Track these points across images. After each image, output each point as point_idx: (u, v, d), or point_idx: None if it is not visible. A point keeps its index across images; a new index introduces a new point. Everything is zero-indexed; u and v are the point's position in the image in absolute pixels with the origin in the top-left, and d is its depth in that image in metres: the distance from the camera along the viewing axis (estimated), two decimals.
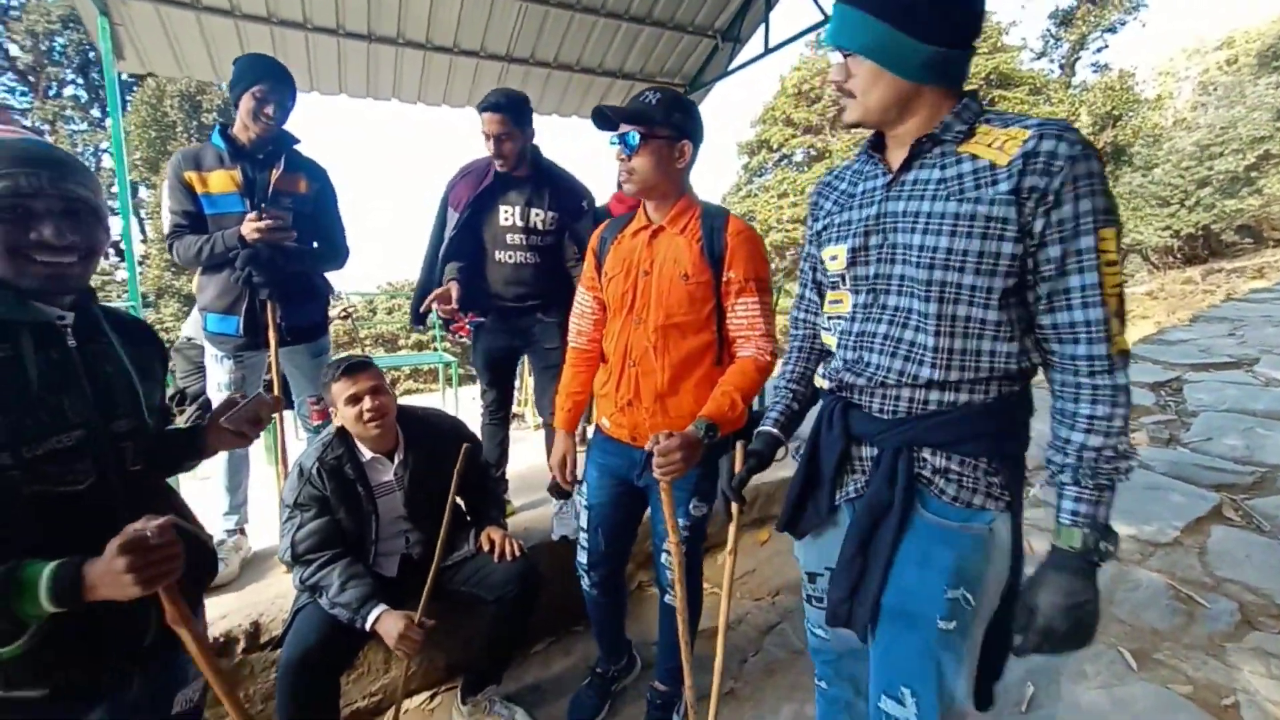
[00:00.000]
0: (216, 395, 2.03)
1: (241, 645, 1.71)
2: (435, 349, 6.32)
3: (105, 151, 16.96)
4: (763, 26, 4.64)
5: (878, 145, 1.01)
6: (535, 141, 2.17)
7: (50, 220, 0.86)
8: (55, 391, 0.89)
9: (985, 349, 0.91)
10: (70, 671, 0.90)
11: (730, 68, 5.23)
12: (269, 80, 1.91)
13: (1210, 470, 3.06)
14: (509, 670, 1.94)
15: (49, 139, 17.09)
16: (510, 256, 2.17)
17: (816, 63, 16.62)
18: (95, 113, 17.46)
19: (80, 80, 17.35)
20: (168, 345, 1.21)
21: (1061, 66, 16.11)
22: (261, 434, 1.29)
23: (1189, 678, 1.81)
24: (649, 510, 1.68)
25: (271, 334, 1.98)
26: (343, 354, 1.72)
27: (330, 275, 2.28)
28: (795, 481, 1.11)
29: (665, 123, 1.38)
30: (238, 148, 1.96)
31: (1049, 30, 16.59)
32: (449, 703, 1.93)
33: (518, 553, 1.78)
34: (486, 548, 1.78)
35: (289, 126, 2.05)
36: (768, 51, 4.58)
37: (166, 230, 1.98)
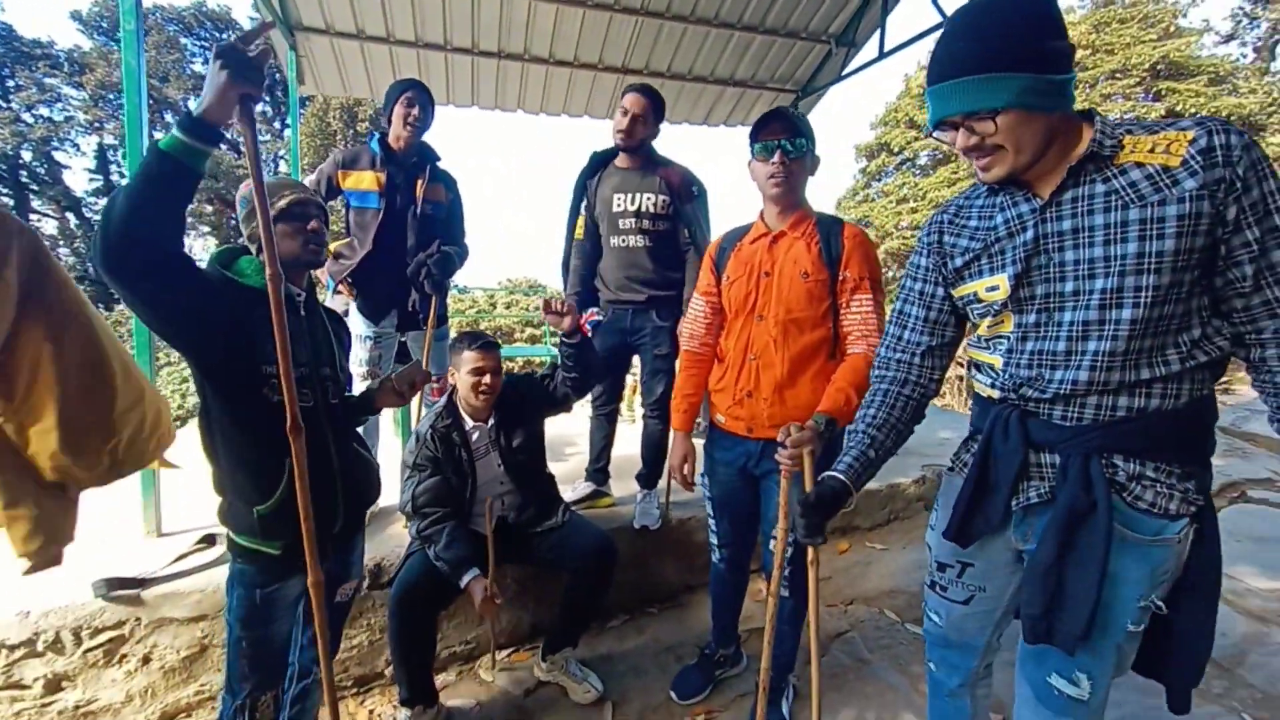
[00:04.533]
0: (356, 370, 2.40)
1: (366, 582, 2.03)
2: (545, 343, 6.76)
3: (282, 158, 19.66)
4: (879, 30, 4.52)
5: (1008, 179, 1.00)
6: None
7: (315, 219, 1.33)
8: (294, 341, 1.25)
9: (1171, 341, 0.91)
10: (295, 535, 1.25)
11: (844, 73, 5.12)
12: (415, 89, 2.33)
13: None
14: (585, 638, 2.12)
15: (241, 149, 20.22)
16: (624, 241, 2.32)
17: None
18: (276, 125, 20.32)
19: (268, 99, 20.26)
20: None
21: (1256, 49, 13.75)
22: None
23: None
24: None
25: (430, 323, 2.32)
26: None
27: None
28: (965, 490, 1.10)
29: (810, 138, 1.54)
30: (389, 155, 2.34)
31: (1241, 8, 14.22)
32: (532, 660, 2.15)
33: (609, 574, 1.94)
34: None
35: (433, 145, 2.44)
36: (883, 55, 4.45)
37: None
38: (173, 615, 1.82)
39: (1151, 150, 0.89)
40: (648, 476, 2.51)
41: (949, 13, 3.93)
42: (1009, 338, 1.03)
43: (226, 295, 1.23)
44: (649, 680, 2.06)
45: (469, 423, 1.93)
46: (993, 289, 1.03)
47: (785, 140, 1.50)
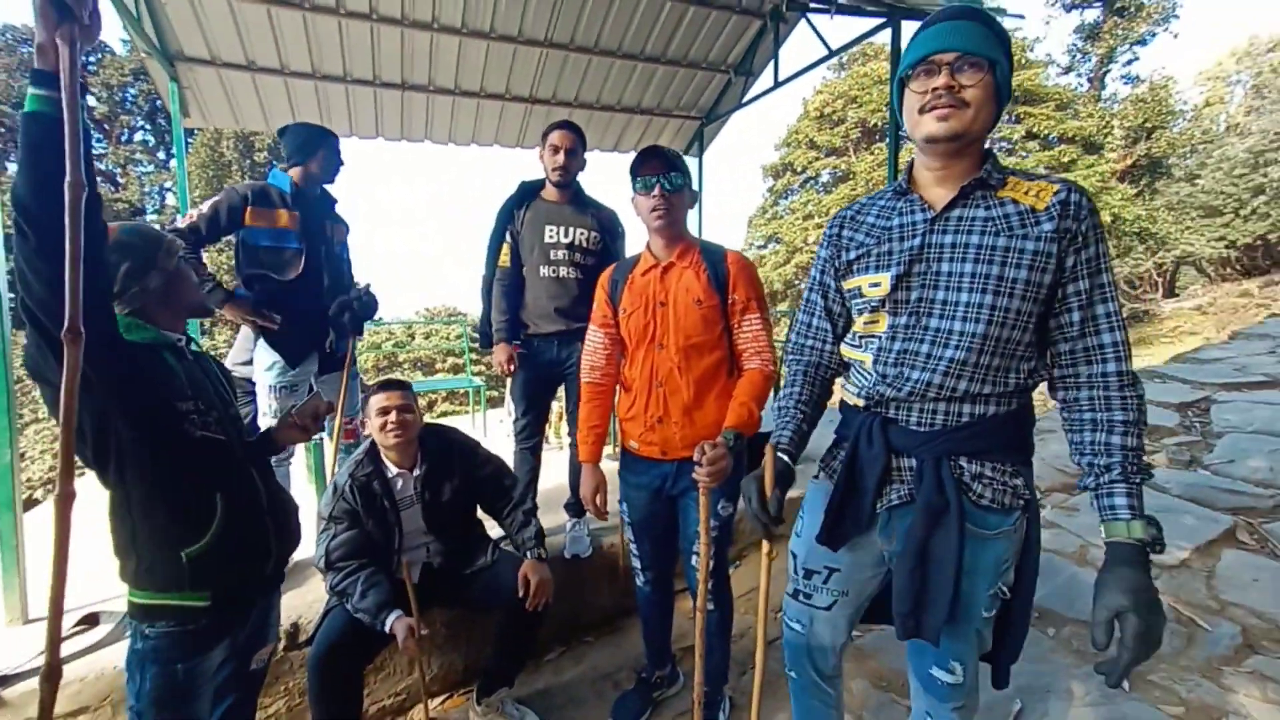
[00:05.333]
0: (269, 423, 2.26)
1: (283, 644, 1.90)
2: (468, 373, 6.60)
3: (170, 190, 18.20)
4: (773, 61, 4.84)
5: (909, 184, 1.14)
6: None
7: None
8: (194, 383, 1.28)
9: (1014, 366, 1.04)
10: (227, 579, 1.25)
11: (744, 100, 5.43)
12: (336, 141, 2.39)
13: (1229, 493, 3.02)
14: (521, 675, 2.08)
15: (120, 180, 18.57)
16: (555, 271, 2.35)
17: (838, 86, 16.77)
18: (161, 155, 18.81)
19: (149, 126, 18.74)
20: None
21: (1090, 80, 15.84)
22: (310, 442, 1.61)
23: (1182, 699, 1.83)
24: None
25: (348, 362, 2.33)
26: (383, 378, 1.99)
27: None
28: (835, 495, 1.16)
29: (686, 174, 1.65)
30: (301, 195, 2.31)
31: (1075, 44, 16.35)
32: (467, 705, 2.08)
33: (544, 605, 1.85)
34: (522, 591, 1.83)
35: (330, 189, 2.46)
36: (777, 85, 4.77)
37: (184, 225, 2.15)
38: None
39: (1026, 193, 1.02)
40: (576, 505, 2.51)
41: (834, 46, 4.30)
42: (880, 337, 1.12)
43: (118, 343, 1.17)
44: (588, 710, 2.05)
45: (392, 470, 1.87)
46: (875, 285, 1.12)
47: (662, 176, 1.60)
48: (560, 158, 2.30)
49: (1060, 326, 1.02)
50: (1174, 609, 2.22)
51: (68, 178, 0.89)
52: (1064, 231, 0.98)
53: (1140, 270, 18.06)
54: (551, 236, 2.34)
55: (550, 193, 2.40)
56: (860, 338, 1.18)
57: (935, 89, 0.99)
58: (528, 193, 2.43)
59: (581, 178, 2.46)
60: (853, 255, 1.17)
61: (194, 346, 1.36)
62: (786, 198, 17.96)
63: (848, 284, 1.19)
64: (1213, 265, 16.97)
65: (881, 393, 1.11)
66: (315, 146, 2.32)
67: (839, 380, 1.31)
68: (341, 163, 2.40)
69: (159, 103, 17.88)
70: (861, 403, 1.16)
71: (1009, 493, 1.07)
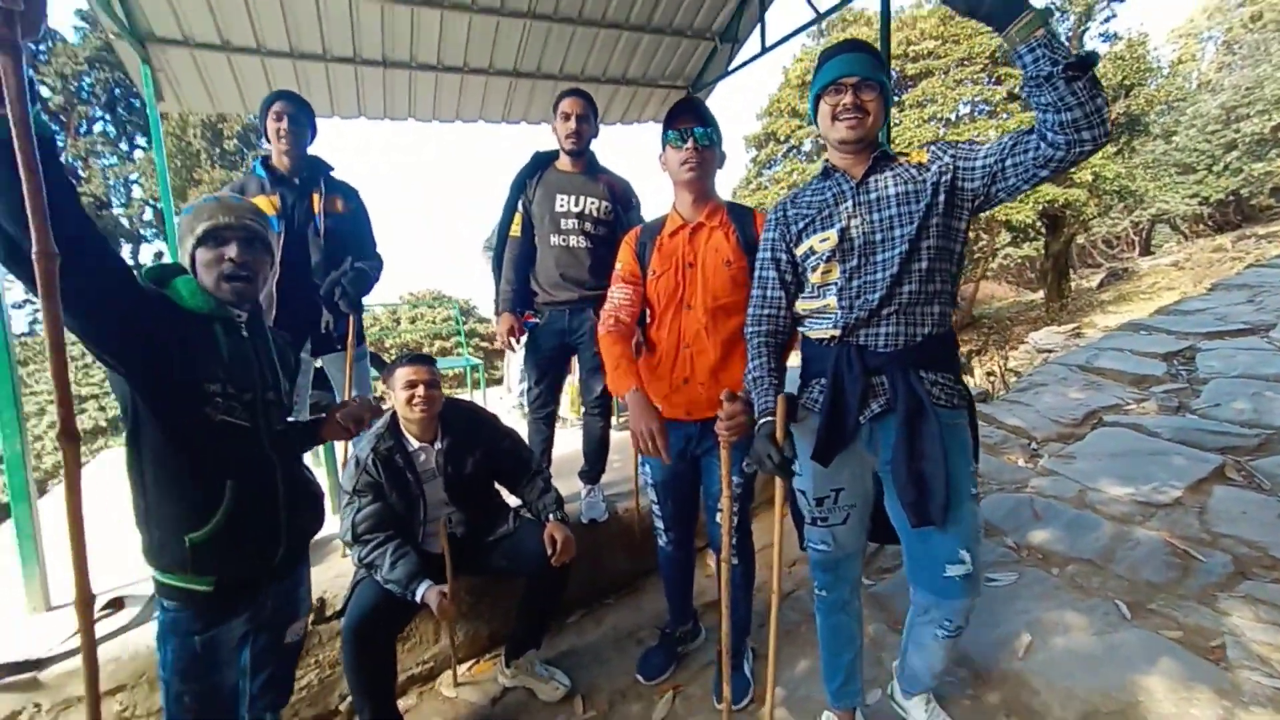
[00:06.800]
0: None
1: (311, 618, 1.92)
2: (460, 354, 6.58)
3: (135, 183, 17.63)
4: (759, 26, 4.78)
5: (834, 169, 1.42)
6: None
7: (234, 244, 1.24)
8: (236, 363, 1.26)
9: (937, 268, 1.32)
10: (232, 567, 1.23)
11: (730, 68, 5.37)
12: (284, 100, 2.22)
13: (1216, 434, 3.13)
14: (546, 637, 2.13)
15: (82, 174, 17.94)
16: (565, 240, 2.34)
17: (817, 52, 16.57)
18: (124, 146, 18.16)
19: (109, 116, 18.01)
20: None
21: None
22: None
23: (1179, 624, 1.93)
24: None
25: (350, 343, 2.24)
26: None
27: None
28: (823, 419, 1.37)
29: (718, 130, 1.68)
30: (277, 176, 2.23)
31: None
32: (495, 669, 2.13)
33: (567, 559, 1.89)
34: (550, 549, 1.87)
35: (324, 156, 2.33)
36: (765, 51, 4.72)
37: None
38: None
39: (910, 159, 1.36)
40: (590, 473, 2.54)
41: (822, 9, 4.25)
42: (837, 282, 1.37)
43: (165, 313, 1.16)
44: (614, 668, 2.11)
45: (413, 444, 1.88)
46: (825, 240, 1.38)
47: (698, 128, 1.60)
48: (572, 123, 2.29)
49: (994, 178, 1.24)
50: (1169, 543, 2.32)
51: (35, 247, 0.79)
52: (944, 166, 1.30)
53: (1118, 229, 18.29)
54: (562, 205, 2.34)
55: (564, 162, 2.39)
56: (819, 288, 1.41)
57: (845, 105, 1.31)
58: (540, 163, 2.42)
59: None
60: (801, 225, 1.43)
61: (254, 324, 1.34)
62: (770, 168, 17.79)
63: (800, 249, 1.42)
64: (1186, 222, 17.24)
65: (851, 318, 1.34)
66: (261, 115, 2.23)
67: (800, 330, 1.52)
68: (287, 126, 2.20)
69: (118, 92, 17.21)
70: (838, 333, 1.37)
71: (956, 395, 1.36)
